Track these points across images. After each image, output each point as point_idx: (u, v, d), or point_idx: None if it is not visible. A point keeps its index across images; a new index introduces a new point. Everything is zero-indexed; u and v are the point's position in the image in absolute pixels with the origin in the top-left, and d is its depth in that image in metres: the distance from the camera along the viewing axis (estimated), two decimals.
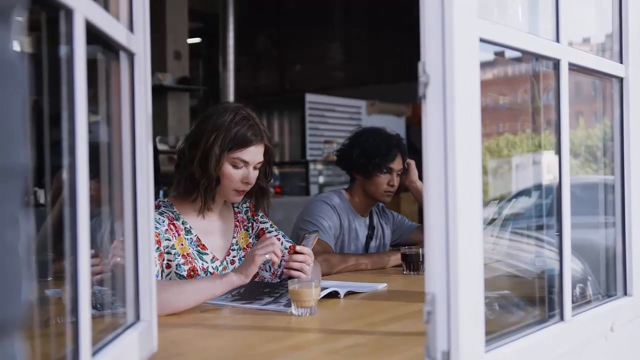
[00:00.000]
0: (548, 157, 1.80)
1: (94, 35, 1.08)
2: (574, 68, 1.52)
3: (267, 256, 1.92)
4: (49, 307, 1.30)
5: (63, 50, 0.99)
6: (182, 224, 2.14)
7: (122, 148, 1.31)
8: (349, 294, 2.11)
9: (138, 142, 1.33)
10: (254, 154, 2.12)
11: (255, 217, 2.34)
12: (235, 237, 2.26)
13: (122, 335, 1.24)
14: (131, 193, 1.32)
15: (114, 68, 1.30)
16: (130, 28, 1.31)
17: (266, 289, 2.09)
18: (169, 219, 2.10)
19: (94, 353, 1.05)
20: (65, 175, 0.98)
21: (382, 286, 2.29)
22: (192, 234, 2.14)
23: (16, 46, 0.55)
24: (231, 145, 2.08)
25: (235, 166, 2.11)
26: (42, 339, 1.10)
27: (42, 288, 1.33)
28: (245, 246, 2.28)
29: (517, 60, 1.69)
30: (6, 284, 0.51)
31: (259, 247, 1.94)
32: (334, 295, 2.05)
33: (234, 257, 2.24)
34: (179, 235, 2.11)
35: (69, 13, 0.97)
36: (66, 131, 0.97)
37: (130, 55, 1.31)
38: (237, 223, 2.29)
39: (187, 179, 2.12)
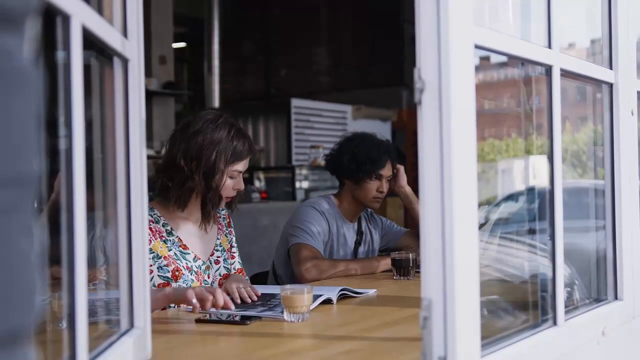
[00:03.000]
0: (534, 162, 1.81)
1: (89, 41, 1.07)
2: (565, 74, 1.53)
3: (194, 301, 1.84)
4: (42, 315, 1.29)
5: (59, 55, 0.98)
6: (163, 226, 2.20)
7: (116, 154, 1.30)
8: (343, 297, 2.11)
9: (132, 148, 1.32)
10: (247, 163, 2.26)
11: (229, 229, 2.43)
12: (219, 239, 2.35)
13: (117, 342, 1.23)
14: (125, 199, 1.32)
15: (108, 73, 1.30)
16: (124, 34, 1.31)
17: (259, 300, 2.08)
18: None
19: None
20: (62, 180, 0.97)
21: (372, 292, 2.29)
22: (173, 235, 2.21)
23: (28, 54, 0.54)
24: (232, 160, 2.19)
25: (232, 177, 2.22)
26: (36, 346, 1.08)
27: None
28: (226, 249, 2.37)
29: (503, 65, 1.70)
30: (22, 292, 0.50)
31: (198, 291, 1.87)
32: (326, 301, 2.05)
33: (217, 257, 2.32)
34: (159, 237, 2.16)
35: (66, 19, 0.96)
36: (63, 137, 0.97)
37: (125, 61, 1.30)
38: (220, 226, 2.38)
39: (186, 192, 2.17)
